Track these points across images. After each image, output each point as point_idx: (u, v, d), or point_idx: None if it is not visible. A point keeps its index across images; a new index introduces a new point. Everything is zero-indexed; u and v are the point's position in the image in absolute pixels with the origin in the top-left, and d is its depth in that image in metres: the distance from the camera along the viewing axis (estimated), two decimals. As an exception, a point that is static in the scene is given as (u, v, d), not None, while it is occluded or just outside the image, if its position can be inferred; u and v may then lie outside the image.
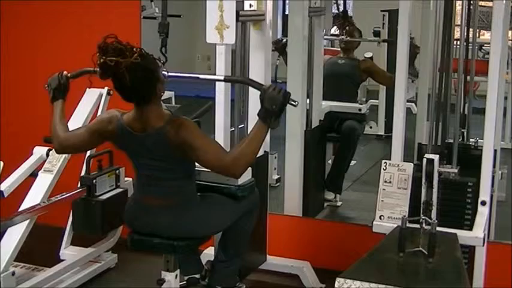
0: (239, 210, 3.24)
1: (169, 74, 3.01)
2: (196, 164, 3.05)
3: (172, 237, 3.02)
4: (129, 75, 2.77)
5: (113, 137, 3.04)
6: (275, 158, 5.24)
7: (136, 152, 3.00)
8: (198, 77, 3.39)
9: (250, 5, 3.61)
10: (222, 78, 3.33)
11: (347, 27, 5.29)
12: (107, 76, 2.82)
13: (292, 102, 2.89)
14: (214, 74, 3.40)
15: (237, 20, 3.37)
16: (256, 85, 3.09)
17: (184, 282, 3.64)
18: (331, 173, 5.13)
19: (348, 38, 5.30)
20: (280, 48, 4.97)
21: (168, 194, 3.01)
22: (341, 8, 5.61)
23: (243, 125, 3.75)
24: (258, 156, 3.70)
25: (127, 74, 2.77)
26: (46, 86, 3.28)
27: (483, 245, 2.95)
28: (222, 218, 3.18)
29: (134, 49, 2.81)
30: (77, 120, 4.19)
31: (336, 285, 2.37)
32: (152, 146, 2.93)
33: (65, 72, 3.30)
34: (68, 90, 3.29)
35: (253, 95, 3.77)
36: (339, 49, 5.49)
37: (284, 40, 4.75)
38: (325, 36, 5.36)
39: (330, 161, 5.24)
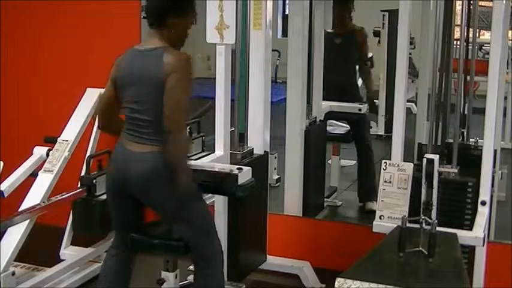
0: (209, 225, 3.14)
1: None
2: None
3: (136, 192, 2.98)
4: None
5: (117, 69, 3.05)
6: (275, 158, 5.24)
7: (128, 81, 2.98)
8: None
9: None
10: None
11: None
12: None
13: None
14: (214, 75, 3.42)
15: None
16: None
17: (185, 281, 3.64)
18: (361, 184, 5.18)
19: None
20: None
21: (146, 139, 2.95)
22: None
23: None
24: (258, 156, 3.74)
25: None
26: None
27: (483, 245, 2.95)
28: (196, 206, 3.07)
29: None
30: (77, 120, 4.20)
31: (336, 285, 2.37)
32: (146, 64, 2.93)
33: None
34: None
35: (253, 93, 3.79)
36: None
37: None
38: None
39: (329, 161, 5.24)
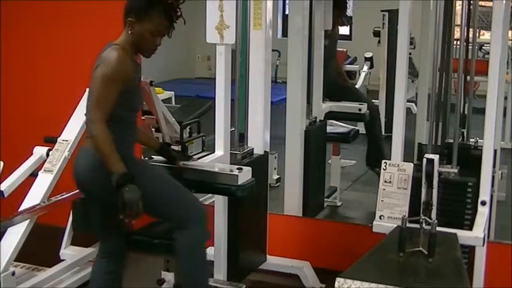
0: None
1: None
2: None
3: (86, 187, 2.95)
4: None
5: None
6: (275, 158, 5.24)
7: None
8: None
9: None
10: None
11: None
12: None
13: None
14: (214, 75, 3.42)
15: None
16: None
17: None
18: (370, 150, 5.42)
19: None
20: None
21: (89, 135, 2.90)
22: None
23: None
24: (258, 156, 3.74)
25: None
26: None
27: (483, 245, 2.95)
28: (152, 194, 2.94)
29: None
30: (77, 120, 4.20)
31: (336, 285, 2.37)
32: (96, 60, 2.95)
33: None
34: None
35: (253, 93, 3.80)
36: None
37: None
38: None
39: (329, 161, 5.25)
